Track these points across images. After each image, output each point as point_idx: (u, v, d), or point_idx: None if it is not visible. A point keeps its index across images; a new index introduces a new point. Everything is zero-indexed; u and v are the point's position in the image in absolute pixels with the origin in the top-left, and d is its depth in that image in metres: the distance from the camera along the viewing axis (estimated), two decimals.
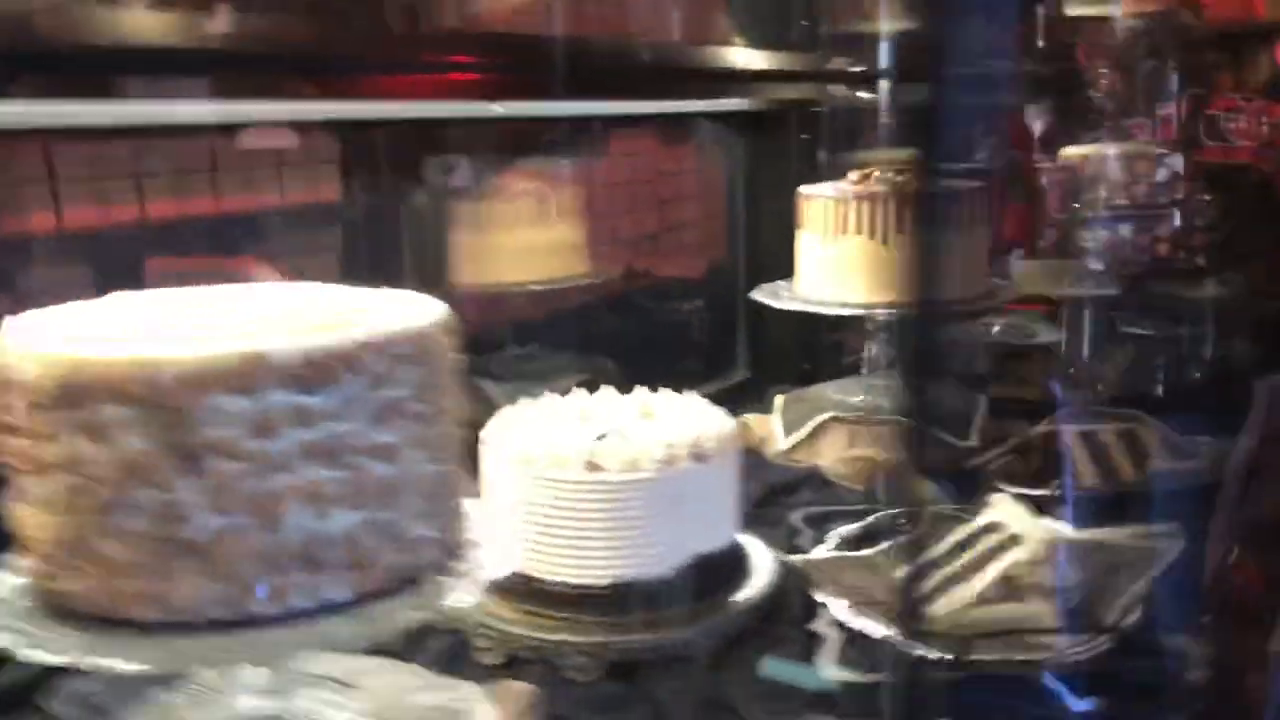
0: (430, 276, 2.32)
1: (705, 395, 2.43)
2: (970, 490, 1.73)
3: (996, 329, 2.67)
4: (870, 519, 1.57)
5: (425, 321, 0.85)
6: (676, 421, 1.38)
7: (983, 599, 1.20)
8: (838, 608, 1.24)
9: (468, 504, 0.97)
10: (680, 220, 2.57)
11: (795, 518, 1.62)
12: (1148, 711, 1.04)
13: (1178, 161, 3.34)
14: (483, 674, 1.24)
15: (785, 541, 1.54)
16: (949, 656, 1.10)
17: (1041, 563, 1.21)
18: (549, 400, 1.46)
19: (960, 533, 1.35)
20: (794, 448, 1.92)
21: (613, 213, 2.49)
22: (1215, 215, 2.90)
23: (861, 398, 1.99)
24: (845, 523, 1.58)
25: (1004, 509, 1.36)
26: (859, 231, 1.83)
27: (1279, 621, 1.16)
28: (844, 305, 1.85)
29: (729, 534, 1.35)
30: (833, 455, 1.88)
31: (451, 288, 2.33)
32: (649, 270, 2.57)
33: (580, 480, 1.25)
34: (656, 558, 1.26)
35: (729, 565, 1.33)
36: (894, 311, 1.85)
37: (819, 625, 1.23)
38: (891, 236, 1.81)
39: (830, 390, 2.04)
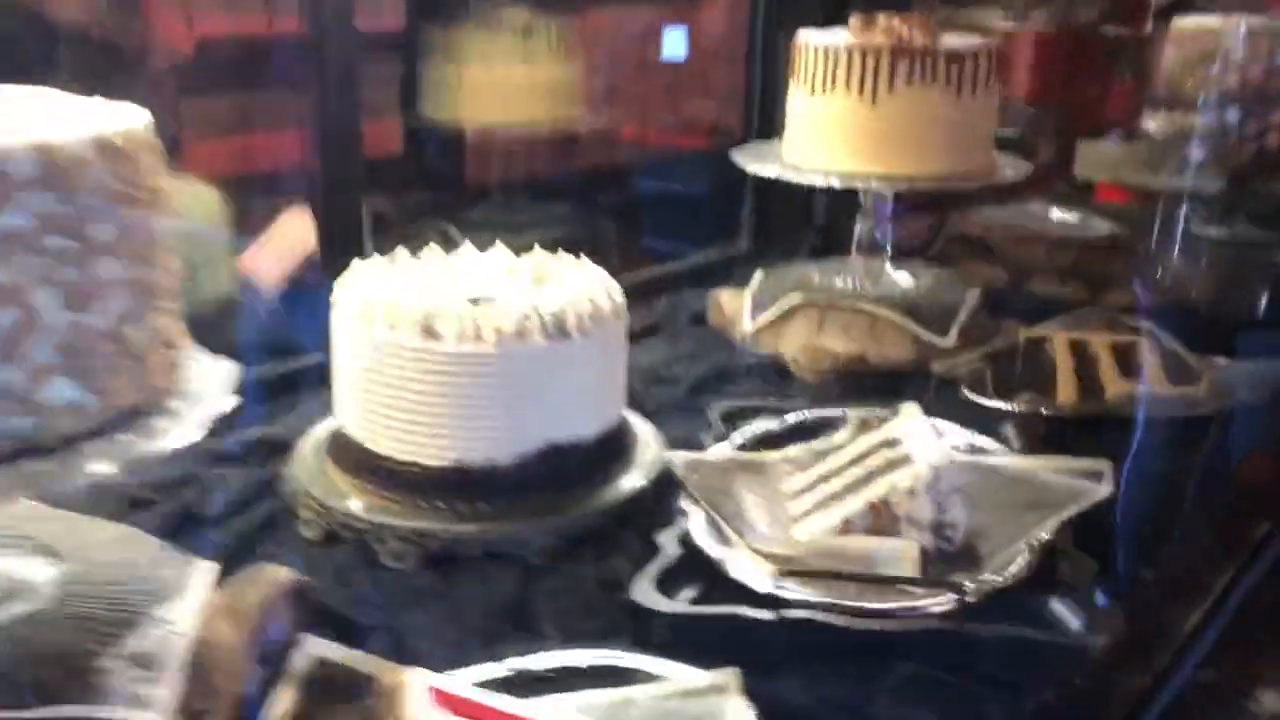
0: (401, 111, 2.16)
1: (701, 264, 2.26)
2: (932, 397, 1.52)
3: (1033, 209, 2.38)
4: (793, 418, 1.38)
5: (64, 137, 0.68)
6: (562, 291, 1.20)
7: (847, 527, 1.01)
8: (694, 519, 1.07)
9: (187, 363, 0.82)
10: (689, 67, 2.32)
11: (715, 409, 1.43)
12: (991, 687, 0.85)
13: None
14: (301, 546, 1.14)
15: (701, 435, 1.36)
16: (772, 591, 0.93)
17: (923, 491, 1.01)
18: (428, 255, 1.29)
19: (860, 445, 1.15)
20: (759, 331, 1.73)
21: (613, 56, 2.25)
22: None
23: (845, 281, 1.77)
24: (771, 419, 1.39)
25: (909, 421, 1.14)
26: (847, 88, 1.58)
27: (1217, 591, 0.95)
28: (822, 173, 1.62)
29: (600, 423, 1.18)
30: (796, 343, 1.68)
31: (421, 123, 2.17)
32: (651, 121, 2.34)
33: (415, 347, 1.09)
34: (499, 443, 1.11)
35: (593, 459, 1.17)
36: (878, 182, 1.61)
37: (664, 537, 1.06)
38: (882, 96, 1.56)
39: (814, 270, 1.82)
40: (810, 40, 1.64)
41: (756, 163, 1.70)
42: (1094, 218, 2.41)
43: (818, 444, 1.27)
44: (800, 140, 1.67)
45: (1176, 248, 2.41)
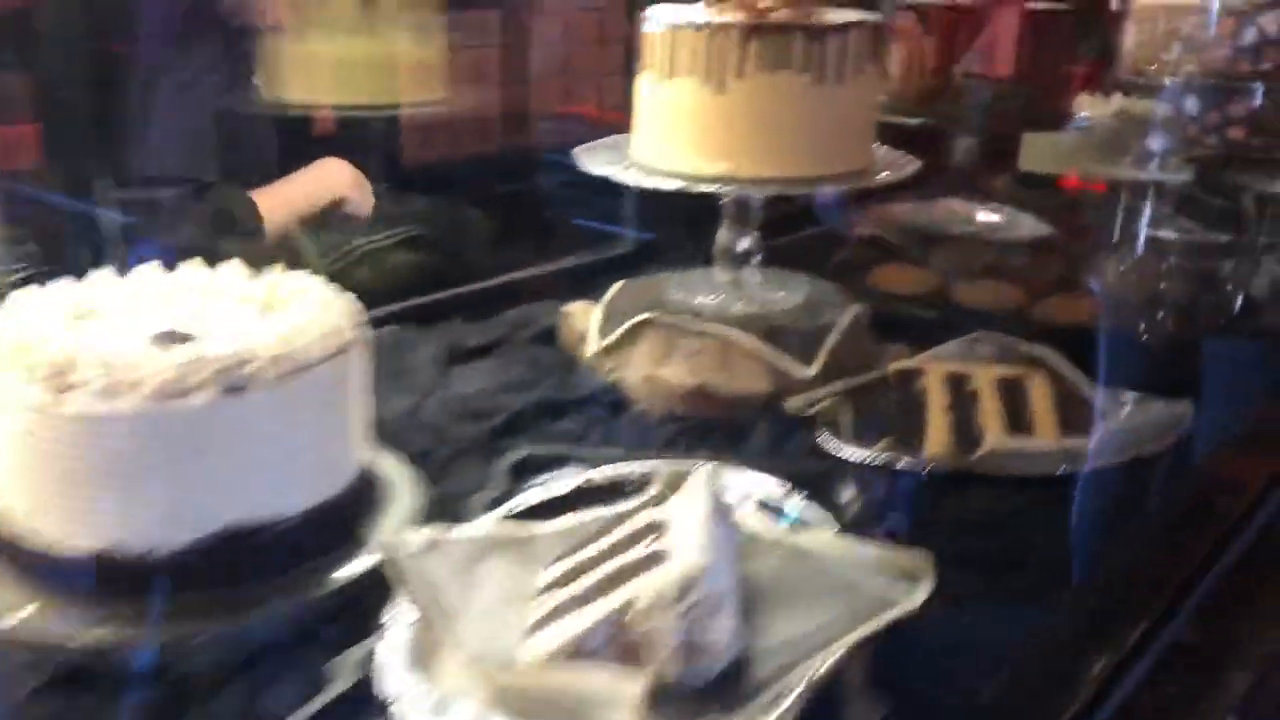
0: (236, 92, 1.90)
1: (579, 266, 2.02)
2: (767, 443, 1.28)
3: (956, 207, 2.14)
4: (601, 473, 1.14)
5: None
6: (279, 327, 0.96)
7: (578, 648, 0.78)
8: (395, 631, 0.84)
9: None
10: (569, 42, 2.07)
11: (506, 460, 1.19)
12: None
13: (1274, 23, 2.64)
14: None
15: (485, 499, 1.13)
16: None
17: (670, 604, 0.77)
18: (136, 276, 1.05)
19: (629, 527, 0.91)
20: (604, 354, 1.49)
21: (484, 30, 2.00)
22: None
23: (710, 297, 1.53)
24: (577, 473, 1.15)
25: (688, 494, 0.90)
26: (691, 72, 1.33)
27: None
28: (662, 174, 1.38)
29: (313, 494, 0.94)
30: (640, 370, 1.44)
31: (261, 105, 1.92)
32: (524, 104, 2.08)
33: (39, 405, 0.85)
34: (155, 526, 0.87)
35: (299, 542, 0.93)
36: (720, 186, 1.36)
37: (347, 657, 0.83)
38: (730, 83, 1.31)
39: (673, 283, 1.57)
40: (657, 17, 1.39)
41: (598, 161, 1.46)
42: (1023, 217, 2.16)
43: (616, 509, 1.03)
44: (646, 135, 1.43)
45: (1115, 252, 2.17)
